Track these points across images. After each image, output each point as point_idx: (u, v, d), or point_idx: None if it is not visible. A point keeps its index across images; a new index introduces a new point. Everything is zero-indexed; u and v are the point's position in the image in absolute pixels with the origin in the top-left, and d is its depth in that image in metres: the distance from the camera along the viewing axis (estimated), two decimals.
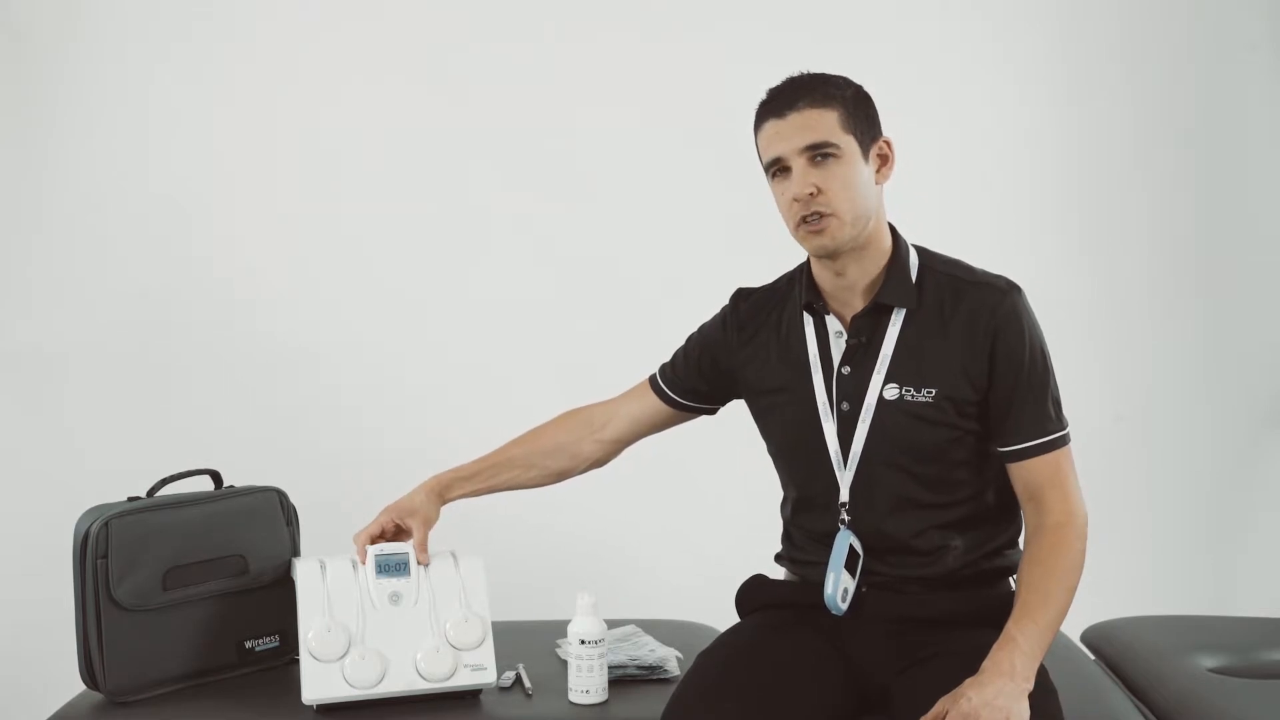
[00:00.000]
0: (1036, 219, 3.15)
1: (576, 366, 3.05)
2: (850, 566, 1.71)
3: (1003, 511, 1.76)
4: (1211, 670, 2.02)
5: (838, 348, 1.76)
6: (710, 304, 3.12)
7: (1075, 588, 1.65)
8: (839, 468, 1.74)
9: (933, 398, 1.69)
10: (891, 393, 1.71)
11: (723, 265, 2.88)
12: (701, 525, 3.05)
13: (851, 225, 1.68)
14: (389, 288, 3.05)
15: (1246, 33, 3.13)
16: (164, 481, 1.97)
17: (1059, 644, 2.07)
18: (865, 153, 1.70)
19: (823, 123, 1.67)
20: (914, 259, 1.76)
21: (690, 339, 1.96)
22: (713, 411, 1.97)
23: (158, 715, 1.84)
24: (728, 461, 2.01)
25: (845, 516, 1.74)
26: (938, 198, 3.11)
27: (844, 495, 1.74)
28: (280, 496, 2.03)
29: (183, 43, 2.99)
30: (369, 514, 2.91)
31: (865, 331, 1.73)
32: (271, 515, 2.01)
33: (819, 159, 1.67)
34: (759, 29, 3.03)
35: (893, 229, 1.78)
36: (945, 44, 3.10)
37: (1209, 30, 3.13)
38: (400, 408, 3.05)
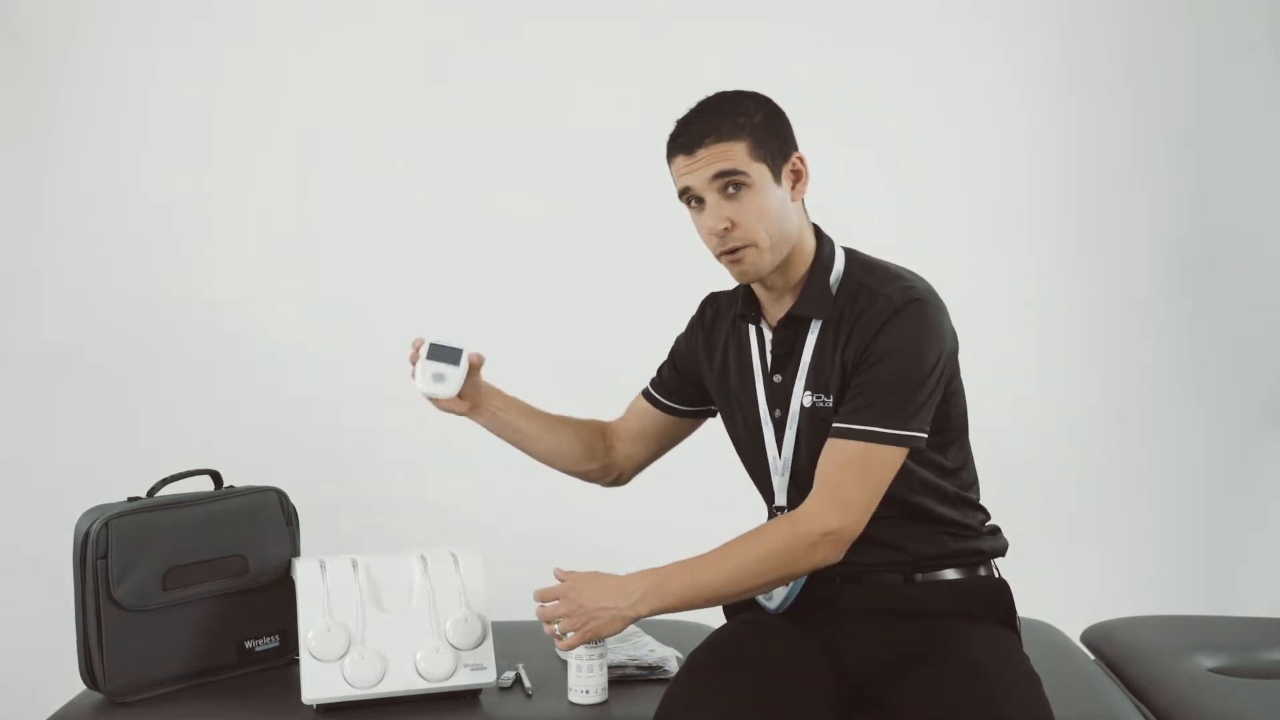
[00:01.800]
0: (1036, 219, 3.15)
1: (576, 366, 3.05)
2: None
3: (944, 499, 1.75)
4: (1211, 670, 2.02)
5: (770, 355, 1.79)
6: None
7: (760, 578, 1.64)
8: (775, 473, 1.79)
9: (832, 404, 1.71)
10: (808, 400, 1.74)
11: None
12: (701, 525, 3.03)
13: (770, 251, 1.71)
14: (389, 287, 3.05)
15: (1246, 33, 3.13)
16: (164, 481, 1.97)
17: (1058, 643, 2.08)
18: (777, 175, 1.71)
19: (732, 154, 1.68)
20: (839, 265, 1.76)
21: (673, 344, 2.01)
22: (713, 413, 1.98)
23: (158, 715, 1.84)
24: (727, 461, 2.01)
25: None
26: (938, 198, 3.11)
27: (780, 499, 1.80)
28: (280, 496, 2.03)
29: (182, 43, 2.99)
30: (369, 514, 2.93)
31: (788, 341, 1.76)
32: (271, 515, 2.01)
33: (730, 190, 1.69)
34: (760, 29, 3.03)
35: (821, 234, 1.79)
36: (945, 44, 3.10)
37: (1209, 30, 3.13)
38: (400, 408, 3.04)
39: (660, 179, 3.06)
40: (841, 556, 1.65)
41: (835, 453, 1.65)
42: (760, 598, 1.79)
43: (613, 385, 3.04)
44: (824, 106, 3.01)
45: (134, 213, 3.00)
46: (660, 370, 2.02)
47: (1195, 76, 3.14)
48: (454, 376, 1.91)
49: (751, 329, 1.82)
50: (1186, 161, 3.15)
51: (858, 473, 1.64)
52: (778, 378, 1.77)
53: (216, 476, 2.05)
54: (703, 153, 1.69)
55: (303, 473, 2.29)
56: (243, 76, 3.02)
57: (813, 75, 2.97)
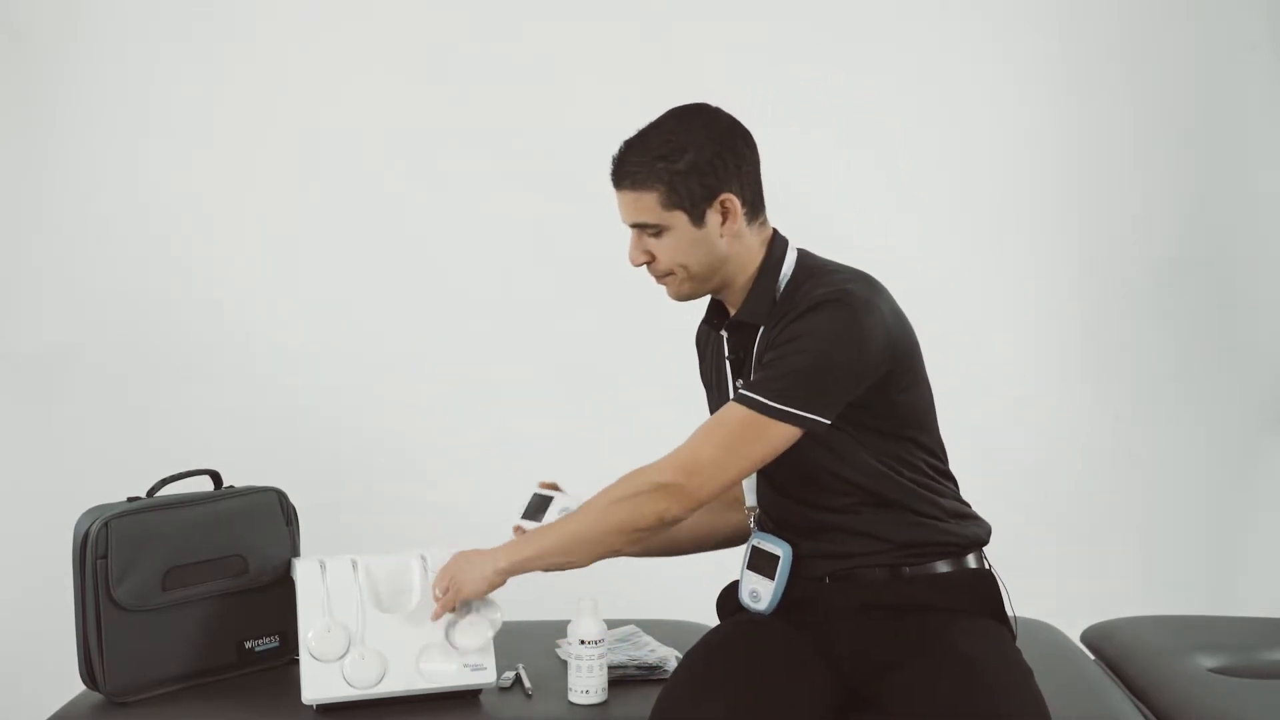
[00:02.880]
0: (1036, 219, 3.15)
1: (576, 366, 3.05)
2: (762, 568, 1.77)
3: (907, 491, 1.74)
4: (1211, 670, 2.02)
5: (728, 360, 1.83)
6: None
7: (609, 526, 1.67)
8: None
9: None
10: None
11: None
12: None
13: (693, 280, 1.76)
14: (389, 288, 3.05)
15: (1246, 33, 3.13)
16: (164, 481, 1.97)
17: (1058, 643, 2.08)
18: (697, 219, 1.72)
19: (641, 204, 1.73)
20: (788, 270, 1.76)
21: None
22: None
23: (158, 715, 1.84)
24: None
25: (752, 523, 1.84)
26: (938, 198, 3.11)
27: (750, 500, 1.83)
28: (280, 497, 2.03)
29: (182, 43, 2.99)
30: (369, 514, 2.93)
31: (739, 346, 1.79)
32: (271, 515, 2.01)
33: (650, 232, 1.74)
34: (759, 29, 3.03)
35: (776, 240, 1.79)
36: (945, 44, 3.10)
37: (1209, 30, 3.13)
38: (400, 408, 3.06)
39: None
40: (687, 516, 1.67)
41: (717, 415, 1.68)
42: (748, 600, 1.79)
43: (613, 385, 3.05)
44: (824, 106, 3.02)
45: (134, 213, 3.00)
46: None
47: (1195, 76, 3.14)
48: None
49: (722, 335, 1.84)
50: (1186, 161, 3.15)
51: (724, 436, 1.65)
52: (739, 382, 1.79)
53: (216, 476, 2.05)
54: (619, 194, 1.76)
55: (303, 473, 2.30)
56: (243, 76, 3.02)
57: (813, 75, 2.97)
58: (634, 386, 3.05)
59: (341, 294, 3.04)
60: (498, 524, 2.94)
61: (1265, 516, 3.18)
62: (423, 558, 1.93)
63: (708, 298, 1.84)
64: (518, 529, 1.90)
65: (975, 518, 1.81)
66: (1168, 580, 3.12)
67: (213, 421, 2.97)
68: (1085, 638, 2.23)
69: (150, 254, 3.00)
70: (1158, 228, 3.16)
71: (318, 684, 1.80)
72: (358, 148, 3.03)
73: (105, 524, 1.84)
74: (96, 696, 1.88)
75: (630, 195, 1.74)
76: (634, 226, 1.76)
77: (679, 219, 1.72)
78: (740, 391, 1.68)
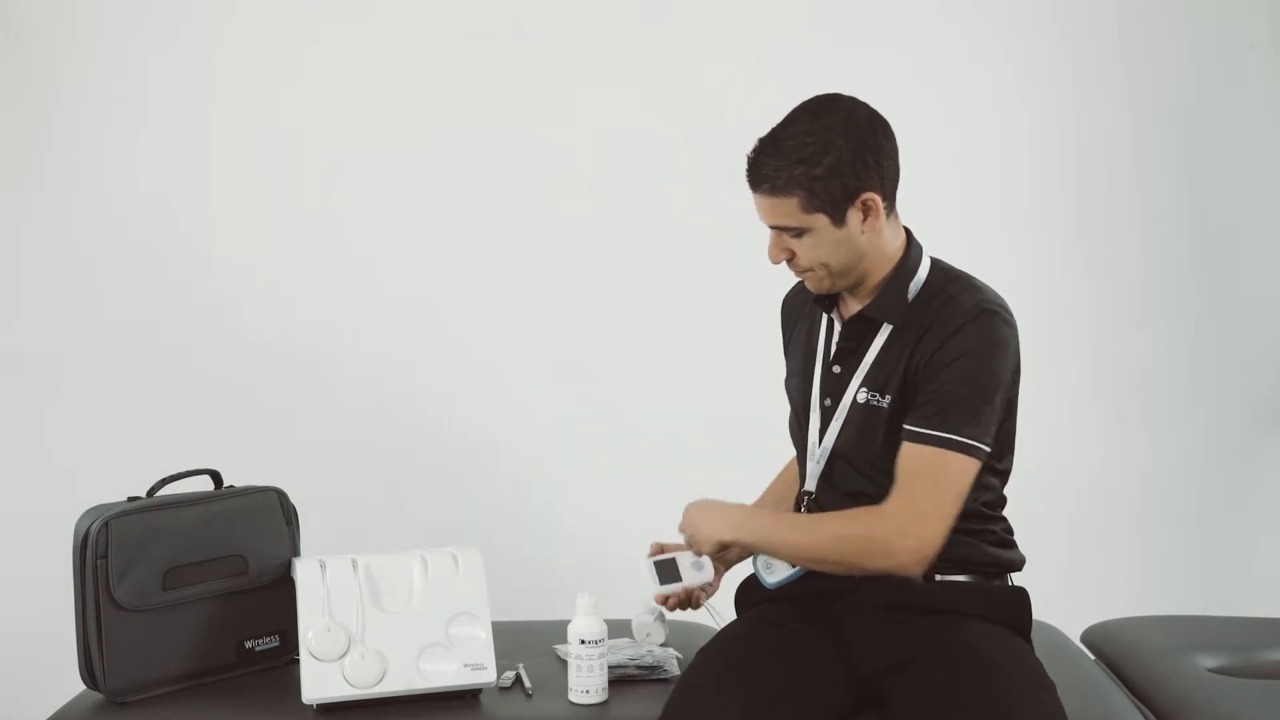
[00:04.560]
0: (1036, 219, 3.15)
1: (576, 366, 3.05)
2: None
3: (969, 513, 1.73)
4: (1211, 670, 2.02)
5: (835, 346, 1.81)
6: (710, 304, 3.14)
7: (828, 556, 1.67)
8: (810, 459, 1.81)
9: (887, 404, 1.72)
10: (863, 396, 1.75)
11: (723, 265, 2.90)
12: None
13: (834, 275, 1.75)
14: (389, 287, 3.05)
15: (1246, 32, 3.13)
16: (164, 481, 1.97)
17: (1059, 644, 2.07)
18: (839, 219, 1.70)
19: (781, 209, 1.70)
20: (922, 273, 1.77)
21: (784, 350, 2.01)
22: None
23: (158, 715, 1.84)
24: (728, 461, 2.01)
25: (804, 506, 1.83)
26: (938, 197, 3.10)
27: (809, 484, 1.82)
28: (280, 496, 2.03)
29: (182, 42, 2.99)
30: (369, 514, 2.93)
31: (855, 337, 1.78)
32: (271, 515, 2.01)
33: (791, 233, 1.72)
34: (760, 30, 3.03)
35: (911, 241, 1.80)
36: (945, 44, 3.10)
37: (1209, 30, 3.13)
38: (400, 408, 3.05)
39: (660, 179, 3.08)
40: (923, 569, 1.65)
41: (910, 457, 1.66)
42: (761, 568, 1.82)
43: (612, 385, 3.05)
44: None
45: (133, 212, 2.99)
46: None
47: (1195, 76, 3.13)
48: (701, 560, 1.89)
49: (824, 316, 1.84)
50: (1186, 161, 3.14)
51: (932, 481, 1.64)
52: (837, 369, 1.79)
53: (216, 476, 2.05)
54: (759, 197, 1.73)
55: (303, 473, 2.29)
56: (242, 76, 3.01)
57: (813, 75, 2.96)
58: (634, 387, 3.05)
59: (341, 294, 3.04)
60: (498, 524, 2.96)
61: (1265, 516, 3.18)
62: (423, 558, 1.93)
63: None
64: (660, 597, 1.90)
65: (1016, 547, 1.81)
66: (1168, 580, 3.12)
67: (213, 421, 2.97)
68: (1085, 638, 2.23)
69: (150, 254, 3.00)
70: (1157, 227, 3.15)
71: (318, 684, 1.80)
72: (357, 148, 3.03)
73: (105, 524, 1.84)
74: (96, 696, 1.88)
75: (771, 200, 1.71)
76: (773, 229, 1.74)
77: (820, 220, 1.70)
78: (930, 433, 1.65)
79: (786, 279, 1.93)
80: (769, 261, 1.77)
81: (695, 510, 1.82)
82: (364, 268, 3.04)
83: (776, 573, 1.79)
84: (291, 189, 3.03)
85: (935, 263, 1.80)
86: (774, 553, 1.77)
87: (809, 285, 1.79)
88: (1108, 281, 3.16)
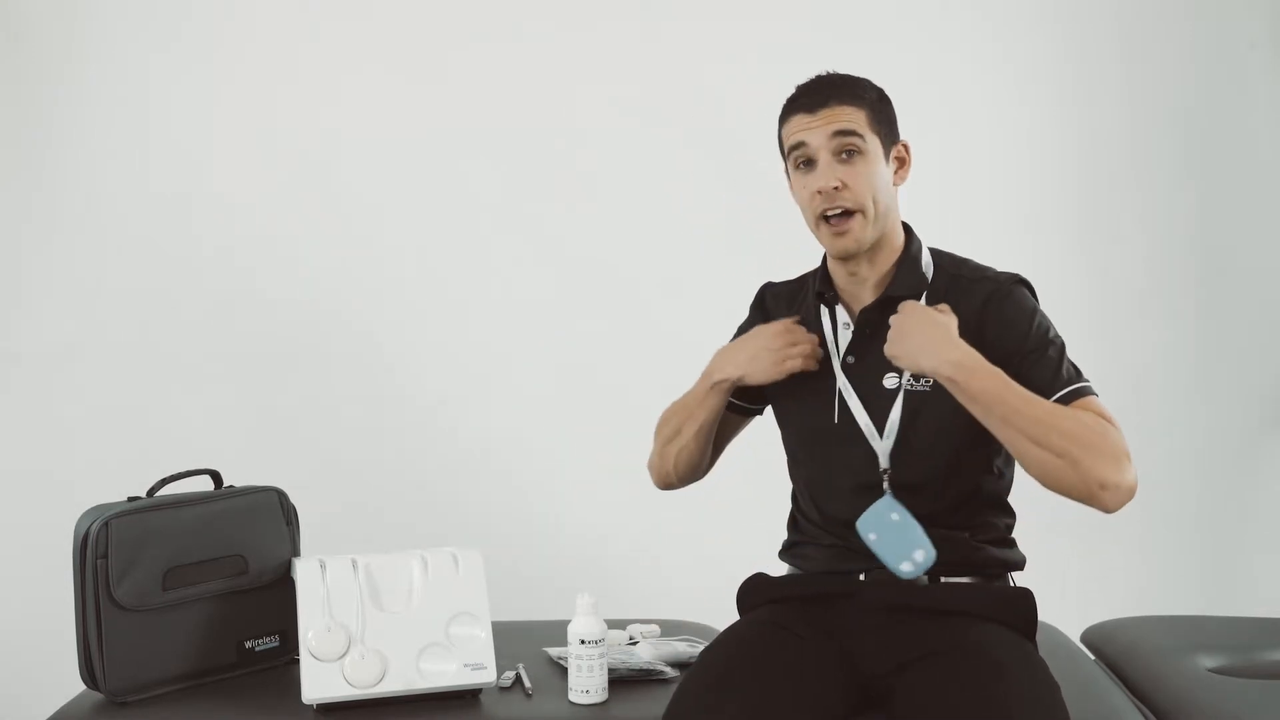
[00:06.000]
0: (1036, 219, 3.15)
1: (576, 366, 3.05)
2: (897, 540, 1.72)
3: (1000, 503, 1.82)
4: (1211, 670, 2.02)
5: (844, 338, 1.81)
6: (710, 304, 3.11)
7: (1049, 439, 1.62)
8: (874, 440, 1.76)
9: (929, 386, 1.73)
10: (890, 382, 1.76)
11: (722, 265, 2.90)
12: (702, 525, 3.05)
13: (873, 224, 1.75)
14: (389, 288, 3.05)
15: (1246, 32, 3.13)
16: (164, 481, 1.97)
17: (1059, 644, 2.07)
18: (886, 153, 1.77)
19: (853, 118, 1.74)
20: (926, 258, 1.82)
21: (733, 339, 1.98)
22: (759, 411, 1.98)
23: (158, 715, 1.84)
24: (728, 460, 2.01)
25: (886, 485, 1.75)
26: (937, 197, 3.10)
27: (884, 463, 1.76)
28: (280, 496, 2.03)
29: (182, 43, 3.00)
30: (369, 514, 2.93)
31: (871, 324, 1.78)
32: (271, 515, 2.01)
33: (845, 155, 1.74)
34: (760, 29, 3.03)
35: (908, 229, 1.84)
36: (945, 44, 3.10)
37: (1209, 30, 3.13)
38: (400, 408, 3.06)
39: (660, 179, 3.08)
40: (1120, 507, 1.71)
41: (1084, 417, 1.65)
42: (898, 566, 1.71)
43: (612, 385, 3.05)
44: None
45: (133, 212, 3.00)
46: None
47: (1195, 76, 3.14)
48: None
49: (824, 309, 1.84)
50: (1186, 161, 3.15)
51: (1109, 423, 1.68)
52: (851, 359, 1.79)
53: (216, 476, 2.05)
54: (825, 112, 1.74)
55: (303, 473, 2.30)
56: (243, 76, 3.02)
57: (812, 75, 2.97)
58: (634, 387, 3.04)
59: (340, 293, 3.04)
60: (498, 524, 2.96)
61: (1265, 516, 3.18)
62: (423, 558, 1.93)
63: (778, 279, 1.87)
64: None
65: (1016, 546, 1.84)
66: (1168, 580, 3.12)
67: (213, 421, 2.97)
68: (1085, 638, 2.23)
69: (150, 253, 3.00)
70: (1157, 227, 3.15)
71: (318, 684, 1.80)
72: (357, 148, 3.03)
73: (105, 524, 1.84)
74: (96, 696, 1.88)
75: (841, 109, 1.73)
76: (838, 135, 1.73)
77: (876, 145, 1.75)
78: (1071, 389, 1.68)
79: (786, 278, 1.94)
80: (811, 198, 1.74)
81: (909, 320, 1.69)
82: (364, 267, 3.05)
83: (915, 563, 1.71)
84: (291, 189, 3.04)
85: (935, 250, 1.84)
86: (991, 409, 1.64)
87: (850, 238, 1.73)
88: (1108, 281, 3.16)
